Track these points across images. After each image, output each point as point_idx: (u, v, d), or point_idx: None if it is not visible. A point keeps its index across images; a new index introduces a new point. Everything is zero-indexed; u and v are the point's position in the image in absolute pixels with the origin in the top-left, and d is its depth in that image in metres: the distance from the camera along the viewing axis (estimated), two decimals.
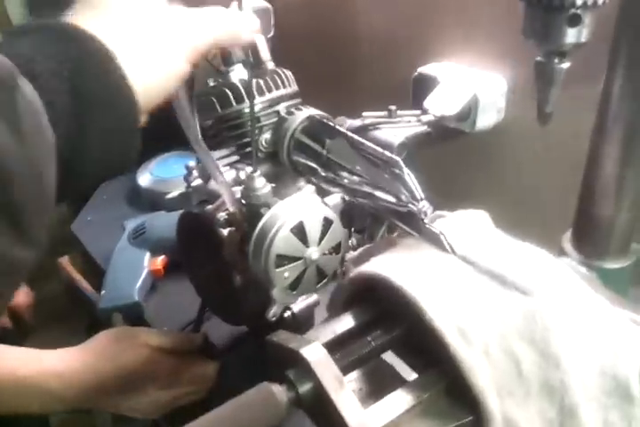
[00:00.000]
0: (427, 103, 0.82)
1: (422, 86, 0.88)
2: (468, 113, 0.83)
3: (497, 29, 0.81)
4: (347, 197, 0.61)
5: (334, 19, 1.04)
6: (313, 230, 0.50)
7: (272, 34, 0.68)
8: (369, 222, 0.65)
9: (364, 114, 0.74)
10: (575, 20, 0.40)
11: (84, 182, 0.38)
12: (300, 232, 0.49)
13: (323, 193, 0.64)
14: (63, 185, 0.35)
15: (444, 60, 0.89)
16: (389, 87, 0.98)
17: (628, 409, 0.44)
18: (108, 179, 0.44)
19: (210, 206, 0.57)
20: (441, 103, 0.82)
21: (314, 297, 0.69)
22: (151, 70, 0.40)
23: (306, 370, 0.40)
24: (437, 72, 0.87)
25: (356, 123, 0.73)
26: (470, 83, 0.82)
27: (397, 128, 0.75)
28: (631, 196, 0.56)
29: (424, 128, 0.77)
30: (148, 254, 0.92)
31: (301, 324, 0.67)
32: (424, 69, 0.89)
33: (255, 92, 0.61)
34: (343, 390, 0.40)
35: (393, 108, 0.75)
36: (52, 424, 1.09)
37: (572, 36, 0.41)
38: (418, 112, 0.79)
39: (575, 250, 0.61)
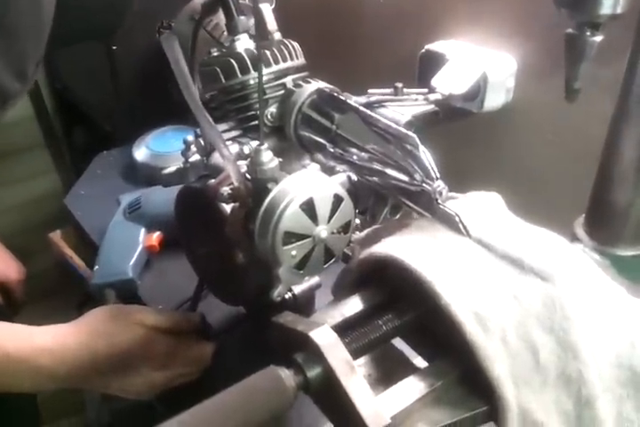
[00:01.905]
0: (434, 81, 0.80)
1: (429, 64, 0.85)
2: (477, 92, 0.81)
3: (507, 7, 0.78)
4: (353, 177, 0.59)
5: None
6: (323, 207, 0.48)
7: (273, 5, 0.66)
8: (372, 202, 0.63)
9: (370, 91, 0.72)
10: None
11: (71, 31, 0.38)
12: (309, 209, 0.47)
13: (327, 172, 0.62)
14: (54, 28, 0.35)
15: (451, 38, 0.86)
16: (393, 64, 0.95)
17: None
18: (93, 37, 0.43)
19: (212, 181, 0.55)
20: (449, 81, 0.79)
21: (315, 279, 0.67)
22: None
23: (315, 354, 0.39)
24: (445, 50, 0.85)
25: (362, 100, 0.70)
26: (479, 61, 0.80)
27: (404, 106, 0.72)
28: None
29: (431, 107, 0.75)
30: (143, 230, 0.90)
31: (302, 306, 0.65)
32: (432, 47, 0.86)
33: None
34: (354, 375, 0.38)
35: (399, 85, 0.72)
36: (39, 402, 1.07)
37: (607, 6, 0.39)
38: (425, 90, 0.77)
39: (588, 236, 0.59)
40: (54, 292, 1.24)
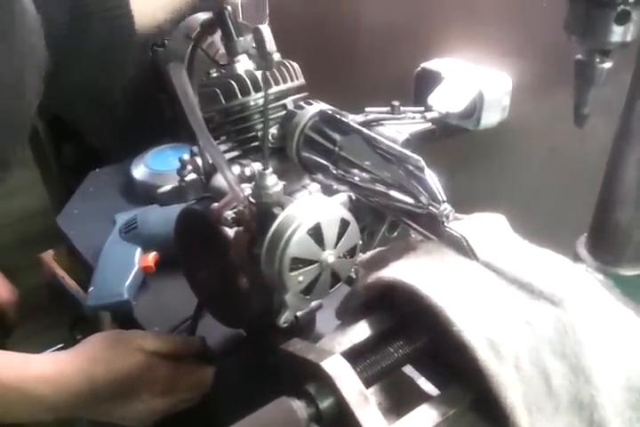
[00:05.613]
0: (431, 99, 0.80)
1: (425, 82, 0.85)
2: (473, 110, 0.81)
3: (502, 26, 0.79)
4: (354, 197, 0.59)
5: (334, 11, 1.01)
6: (330, 232, 0.47)
7: (267, 22, 0.66)
8: (369, 221, 0.62)
9: (367, 109, 0.72)
10: (624, 18, 0.38)
11: (60, 104, 0.38)
12: (316, 234, 0.46)
13: (327, 192, 0.62)
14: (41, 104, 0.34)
15: (447, 56, 0.87)
16: (389, 82, 0.95)
17: None
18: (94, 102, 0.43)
19: (215, 204, 0.54)
20: (446, 100, 0.79)
21: (317, 301, 0.66)
22: None
23: (327, 384, 0.38)
24: (441, 68, 0.85)
25: (359, 118, 0.70)
26: (475, 80, 0.80)
27: (401, 124, 0.72)
28: None
29: (428, 125, 0.75)
30: (139, 250, 0.88)
31: (303, 327, 0.65)
32: (428, 65, 0.87)
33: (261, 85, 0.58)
34: (368, 406, 0.37)
35: (396, 103, 0.72)
36: None
37: (618, 34, 0.39)
38: (421, 108, 0.77)
39: (591, 256, 0.59)
40: (44, 311, 1.22)
